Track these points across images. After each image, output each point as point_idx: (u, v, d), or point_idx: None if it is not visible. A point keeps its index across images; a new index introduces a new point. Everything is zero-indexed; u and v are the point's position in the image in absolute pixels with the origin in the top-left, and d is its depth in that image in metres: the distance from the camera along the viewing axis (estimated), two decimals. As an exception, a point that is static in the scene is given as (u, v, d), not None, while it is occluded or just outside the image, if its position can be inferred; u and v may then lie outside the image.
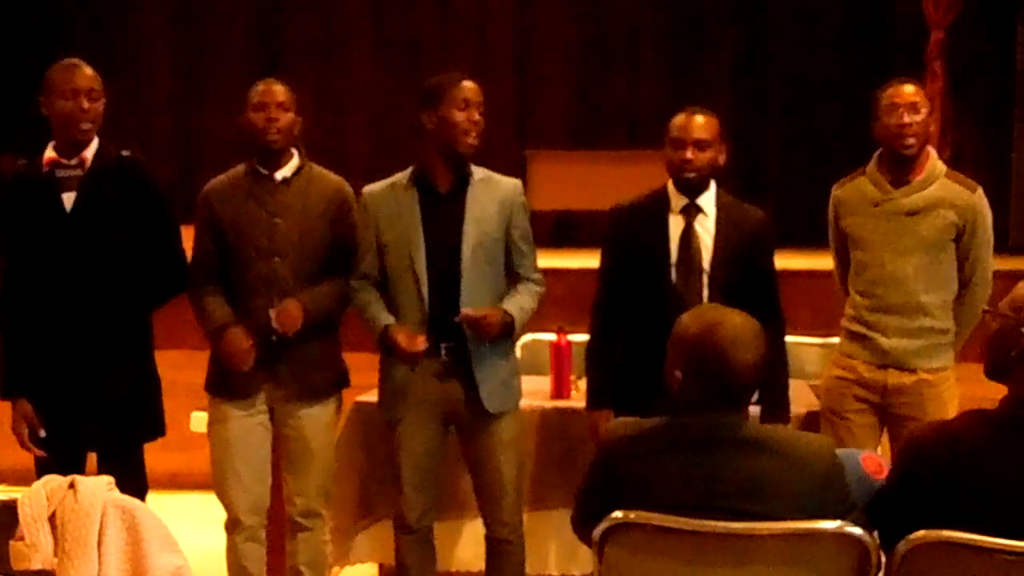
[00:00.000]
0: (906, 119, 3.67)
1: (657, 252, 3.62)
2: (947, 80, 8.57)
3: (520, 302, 3.65)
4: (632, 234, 3.68)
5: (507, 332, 3.63)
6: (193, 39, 10.63)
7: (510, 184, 3.75)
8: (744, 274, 3.62)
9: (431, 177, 3.65)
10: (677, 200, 3.66)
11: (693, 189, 3.64)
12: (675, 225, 3.65)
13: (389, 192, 3.68)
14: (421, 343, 3.54)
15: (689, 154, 3.57)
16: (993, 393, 2.50)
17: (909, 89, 3.72)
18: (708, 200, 3.66)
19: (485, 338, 3.58)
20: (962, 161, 8.71)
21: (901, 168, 3.74)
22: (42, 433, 3.57)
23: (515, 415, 3.75)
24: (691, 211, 3.65)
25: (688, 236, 3.63)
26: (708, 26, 10.30)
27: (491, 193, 3.67)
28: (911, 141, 3.69)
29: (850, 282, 3.84)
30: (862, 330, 3.77)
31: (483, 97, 3.64)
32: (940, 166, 3.79)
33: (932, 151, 3.83)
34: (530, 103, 10.37)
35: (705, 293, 3.59)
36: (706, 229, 3.64)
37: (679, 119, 3.62)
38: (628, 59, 10.37)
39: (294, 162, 3.74)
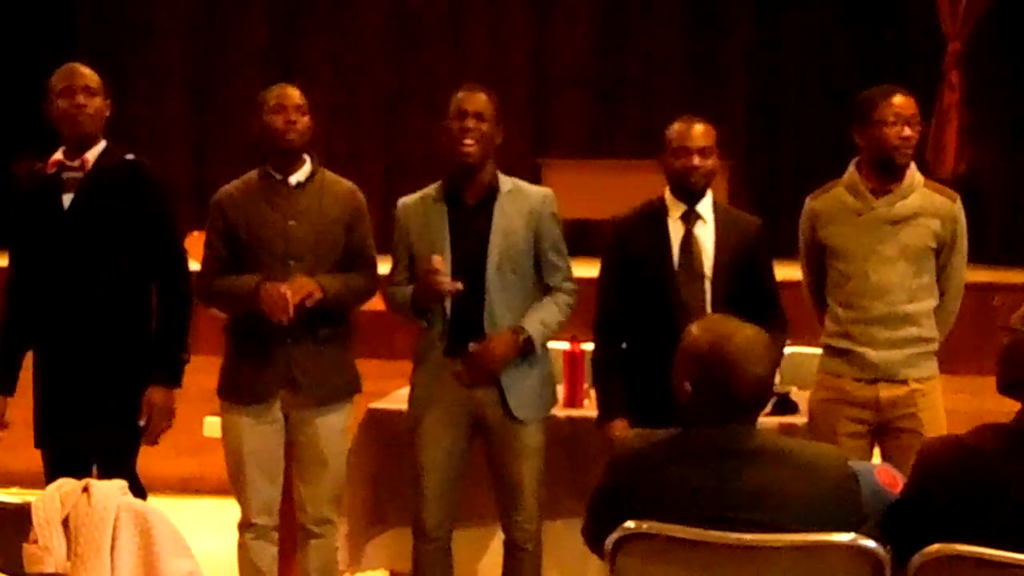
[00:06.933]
0: (907, 132, 3.65)
1: (660, 260, 3.65)
2: (964, 91, 8.53)
3: (542, 316, 3.67)
4: (634, 244, 3.71)
5: (526, 350, 3.65)
6: (209, 48, 10.67)
7: (539, 194, 3.77)
8: (744, 280, 3.65)
9: (459, 190, 3.67)
10: (676, 207, 3.69)
11: (695, 196, 3.68)
12: (675, 232, 3.68)
13: (420, 204, 3.74)
14: (451, 285, 3.56)
15: (696, 161, 3.62)
16: (989, 406, 2.49)
17: (910, 102, 3.69)
18: (706, 206, 3.70)
19: (498, 364, 3.60)
20: (979, 173, 8.69)
21: (886, 177, 3.71)
22: None
23: (543, 422, 3.75)
24: (691, 217, 3.68)
25: (688, 242, 3.65)
26: (723, 37, 10.29)
27: (519, 204, 3.69)
28: (909, 153, 3.68)
29: (829, 295, 3.78)
30: (847, 344, 3.71)
31: (486, 107, 3.63)
32: (919, 175, 3.76)
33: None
34: (545, 112, 10.36)
35: (708, 299, 3.61)
36: (706, 234, 3.67)
37: (679, 128, 3.67)
38: (643, 68, 10.36)
39: (307, 167, 3.75)
